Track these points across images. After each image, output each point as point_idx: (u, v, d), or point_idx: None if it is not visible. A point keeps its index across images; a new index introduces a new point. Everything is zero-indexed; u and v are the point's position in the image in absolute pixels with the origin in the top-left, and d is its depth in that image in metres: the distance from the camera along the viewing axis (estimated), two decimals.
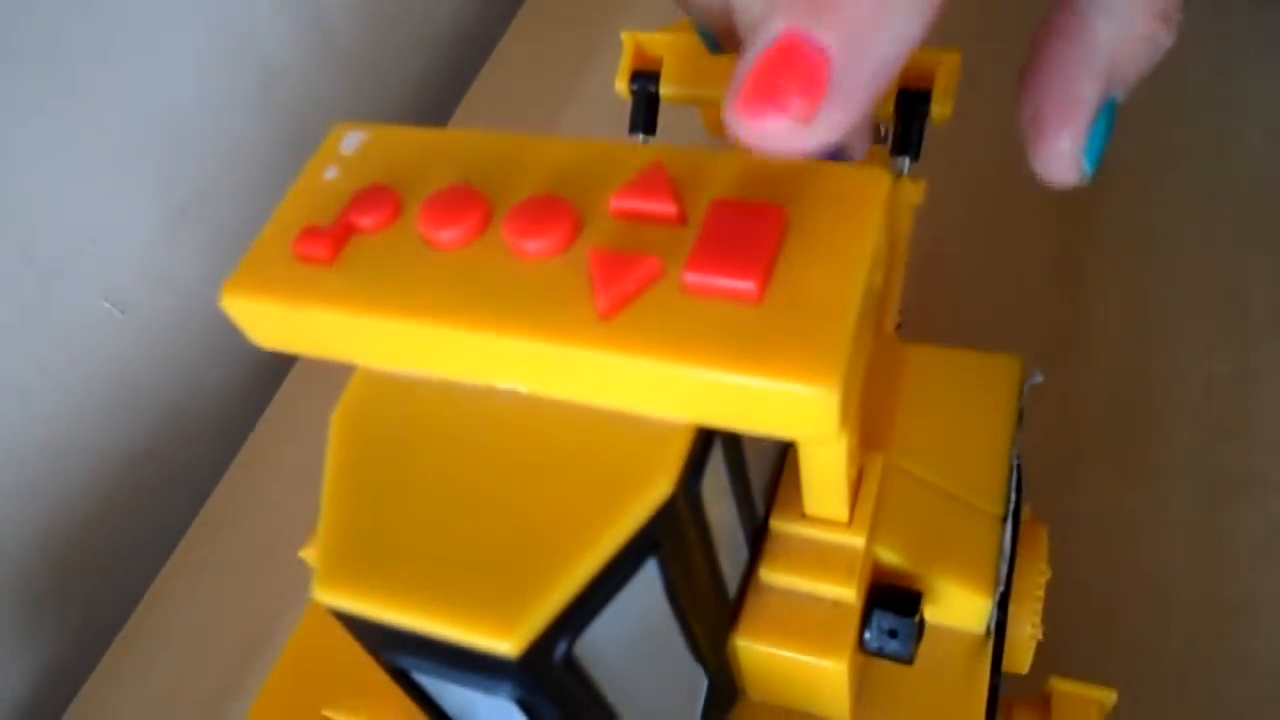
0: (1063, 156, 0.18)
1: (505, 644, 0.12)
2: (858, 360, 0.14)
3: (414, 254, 0.15)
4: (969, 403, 0.21)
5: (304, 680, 0.21)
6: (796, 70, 0.13)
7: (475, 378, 0.15)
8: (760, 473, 0.18)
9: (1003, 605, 0.21)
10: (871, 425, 0.20)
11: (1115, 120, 0.19)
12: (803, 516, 0.18)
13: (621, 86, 0.28)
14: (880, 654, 0.18)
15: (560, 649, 0.13)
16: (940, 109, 0.25)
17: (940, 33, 0.26)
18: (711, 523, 0.16)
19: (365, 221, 0.15)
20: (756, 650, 0.18)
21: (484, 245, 0.15)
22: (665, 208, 0.14)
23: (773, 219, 0.14)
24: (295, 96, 0.48)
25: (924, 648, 0.19)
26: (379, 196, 0.16)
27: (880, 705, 0.19)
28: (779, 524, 0.19)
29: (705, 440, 0.14)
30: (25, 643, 0.38)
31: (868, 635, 0.18)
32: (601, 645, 0.14)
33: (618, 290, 0.14)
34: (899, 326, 0.30)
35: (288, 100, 0.47)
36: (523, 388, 0.15)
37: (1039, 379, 0.22)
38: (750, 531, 0.18)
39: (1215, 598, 0.32)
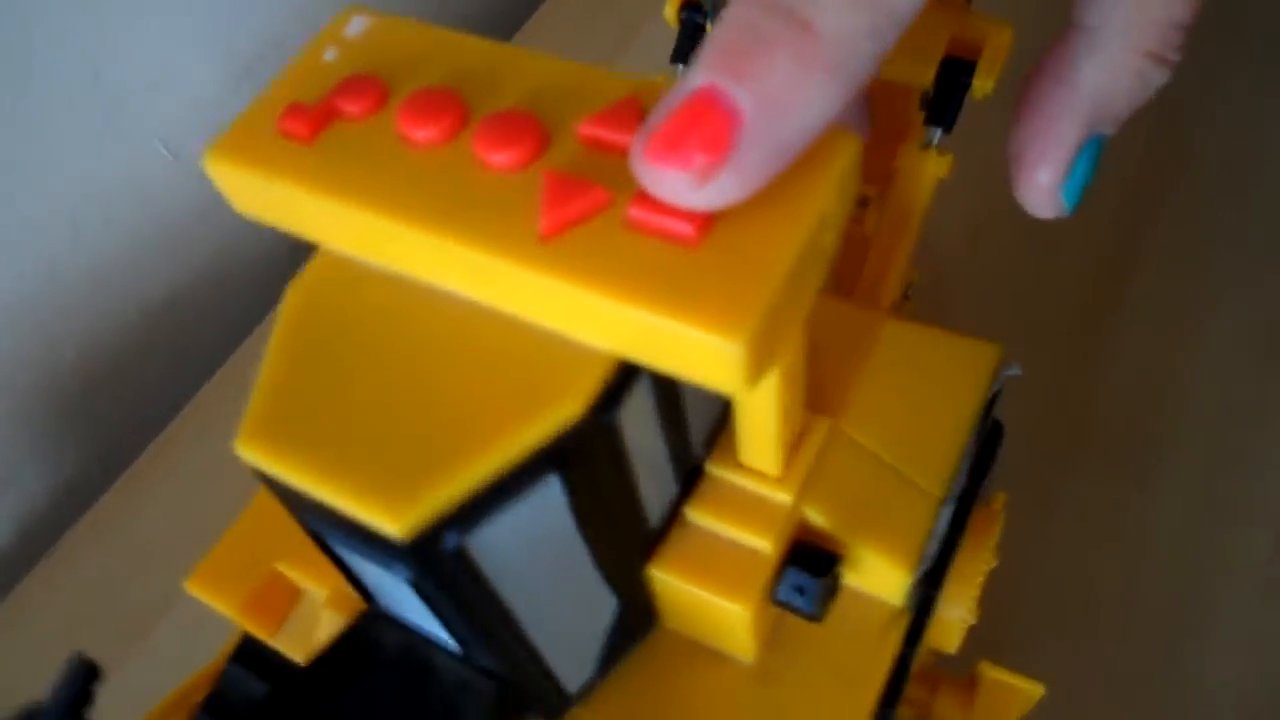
0: (1041, 192, 0.19)
1: (394, 527, 0.13)
2: (784, 318, 0.14)
3: (386, 147, 0.15)
4: (935, 384, 0.21)
5: (263, 534, 0.23)
6: (706, 127, 0.13)
7: (422, 275, 0.15)
8: (702, 415, 0.18)
9: (932, 583, 0.21)
10: (825, 390, 0.20)
11: (1100, 157, 0.19)
12: (738, 465, 0.19)
13: (670, 13, 0.27)
14: (788, 608, 0.19)
15: (450, 540, 0.14)
16: (983, 83, 0.25)
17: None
18: (633, 453, 0.16)
19: (349, 108, 0.16)
20: (669, 582, 0.19)
21: (453, 150, 0.15)
22: (627, 140, 0.14)
23: None
24: None
25: (840, 610, 0.20)
26: (367, 85, 0.16)
27: (786, 655, 0.20)
28: (714, 468, 0.19)
29: (627, 373, 0.15)
30: (46, 453, 0.40)
31: (778, 587, 0.19)
32: (499, 546, 0.15)
33: (561, 214, 0.14)
34: (906, 296, 0.29)
35: None
36: (463, 293, 0.15)
37: (1016, 371, 0.22)
38: (684, 470, 0.19)
39: (1179, 614, 0.32)
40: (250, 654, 0.23)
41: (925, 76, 0.25)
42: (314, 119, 0.16)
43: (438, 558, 0.14)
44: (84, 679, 0.18)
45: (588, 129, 0.15)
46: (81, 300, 0.40)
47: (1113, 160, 0.43)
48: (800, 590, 0.19)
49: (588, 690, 0.20)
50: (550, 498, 0.15)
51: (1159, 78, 0.18)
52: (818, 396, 0.20)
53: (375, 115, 0.16)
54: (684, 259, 0.13)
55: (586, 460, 0.15)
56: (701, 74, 0.13)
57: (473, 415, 0.14)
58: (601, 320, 0.14)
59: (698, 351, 0.13)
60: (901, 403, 0.21)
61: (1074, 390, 0.36)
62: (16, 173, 0.36)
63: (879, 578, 0.20)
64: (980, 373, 0.22)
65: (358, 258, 0.16)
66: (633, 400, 0.15)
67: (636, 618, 0.20)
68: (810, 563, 0.19)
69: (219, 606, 0.22)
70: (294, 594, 0.23)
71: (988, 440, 0.24)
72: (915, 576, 0.20)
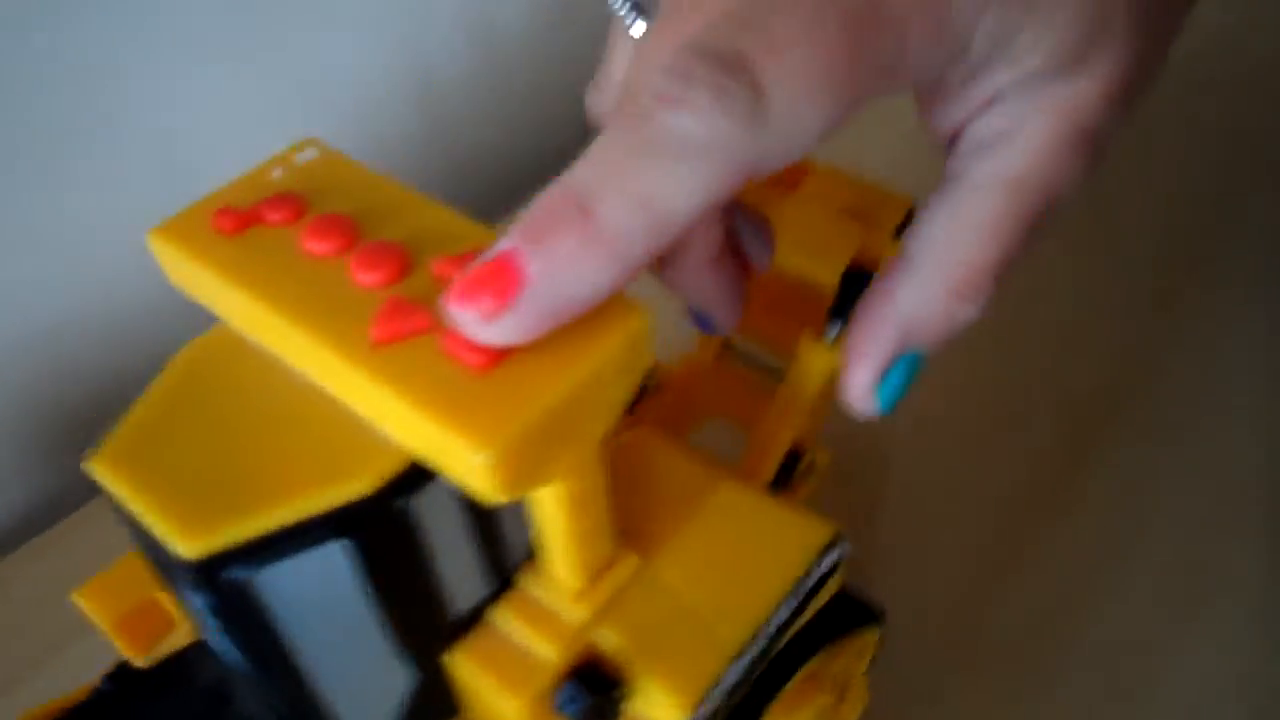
0: (858, 389, 0.22)
1: (184, 547, 0.16)
2: (545, 445, 0.16)
3: (286, 253, 0.19)
4: (757, 547, 0.23)
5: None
6: (498, 281, 0.16)
7: (284, 357, 0.19)
8: (523, 530, 0.21)
9: None
10: (646, 532, 0.23)
11: (916, 373, 0.21)
12: (547, 580, 0.21)
13: None
14: (562, 715, 0.21)
15: (233, 573, 0.17)
16: None
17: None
18: (432, 544, 0.19)
19: (270, 217, 0.20)
20: (461, 670, 0.21)
21: (334, 265, 0.19)
22: None
23: None
24: (450, 107, 0.54)
25: None
26: (290, 202, 0.20)
27: None
28: (525, 578, 0.21)
29: (422, 471, 0.18)
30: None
31: (557, 695, 0.21)
32: (285, 592, 0.17)
33: (389, 328, 0.17)
34: (794, 472, 0.31)
35: (444, 110, 0.54)
36: (311, 377, 0.18)
37: (842, 552, 0.24)
38: (499, 574, 0.21)
39: None
40: (124, 674, 0.25)
41: (830, 279, 0.28)
42: (240, 220, 0.19)
43: (223, 587, 0.17)
44: None
45: (439, 267, 0.18)
46: (86, 345, 0.45)
47: (1062, 383, 0.45)
48: (574, 702, 0.20)
49: None
50: (335, 560, 0.17)
51: (966, 313, 0.21)
52: (638, 536, 0.22)
53: (288, 227, 0.20)
54: (472, 382, 0.16)
55: (373, 536, 0.18)
56: (507, 240, 0.16)
57: (283, 474, 0.17)
58: (395, 417, 0.17)
59: (456, 456, 0.16)
60: (719, 558, 0.23)
61: (981, 598, 0.37)
62: (68, 214, 0.42)
63: (659, 711, 0.21)
64: (805, 547, 0.24)
65: (243, 333, 0.19)
66: (429, 496, 0.18)
67: (437, 699, 0.22)
68: (590, 680, 0.21)
69: (96, 620, 0.25)
70: (168, 622, 0.26)
71: (835, 615, 0.26)
72: (694, 719, 0.21)
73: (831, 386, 0.31)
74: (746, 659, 0.22)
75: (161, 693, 0.20)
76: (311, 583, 0.17)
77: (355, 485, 0.17)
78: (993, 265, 0.21)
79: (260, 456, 0.17)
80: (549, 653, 0.20)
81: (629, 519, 0.22)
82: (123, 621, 0.24)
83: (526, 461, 0.16)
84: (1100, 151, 0.21)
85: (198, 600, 0.17)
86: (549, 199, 0.16)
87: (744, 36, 0.16)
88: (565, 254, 0.16)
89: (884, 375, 0.21)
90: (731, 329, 0.26)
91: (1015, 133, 0.20)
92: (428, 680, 0.21)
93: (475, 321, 0.16)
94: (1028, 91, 0.20)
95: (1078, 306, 0.48)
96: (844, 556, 0.25)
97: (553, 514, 0.19)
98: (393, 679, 0.21)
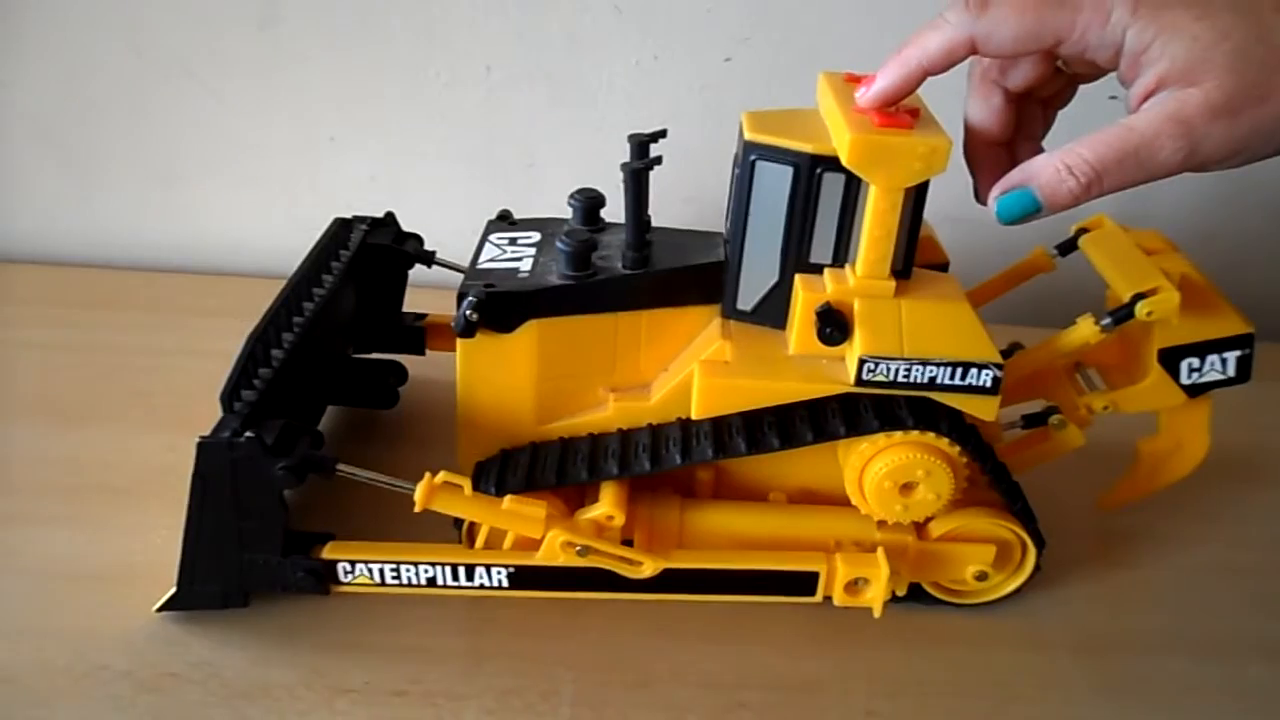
0: (989, 194, 0.40)
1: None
2: (871, 159, 0.39)
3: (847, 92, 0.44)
4: (958, 336, 0.42)
5: None
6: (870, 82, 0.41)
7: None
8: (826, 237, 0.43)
9: None
10: (910, 290, 0.43)
11: (1025, 206, 0.39)
12: (852, 270, 0.43)
13: None
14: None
15: (750, 155, 0.43)
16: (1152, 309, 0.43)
17: None
18: (822, 207, 0.42)
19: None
20: (798, 286, 0.44)
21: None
22: None
23: None
24: None
25: None
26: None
27: None
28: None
29: (837, 163, 0.41)
30: None
31: (818, 311, 0.42)
32: (762, 183, 0.43)
33: (861, 113, 0.42)
34: (1049, 421, 0.47)
35: None
36: None
37: (995, 375, 0.41)
38: (839, 257, 0.43)
39: None
40: None
41: (1126, 295, 0.44)
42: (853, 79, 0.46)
43: (749, 163, 0.43)
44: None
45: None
46: None
47: None
48: (827, 315, 0.42)
49: (746, 315, 0.45)
50: (785, 176, 0.42)
51: (1063, 180, 0.38)
52: (904, 291, 0.43)
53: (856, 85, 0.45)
54: (871, 125, 0.40)
55: (804, 175, 0.42)
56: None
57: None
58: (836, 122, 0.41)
59: (842, 135, 0.40)
60: (933, 324, 0.42)
61: None
62: None
63: (854, 349, 0.42)
64: (977, 350, 0.41)
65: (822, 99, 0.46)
66: (832, 178, 0.41)
67: (777, 305, 0.45)
68: (830, 313, 0.42)
69: None
70: None
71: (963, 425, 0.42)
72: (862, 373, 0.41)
73: (1083, 356, 0.46)
74: (917, 369, 0.41)
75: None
76: (770, 183, 0.42)
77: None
78: (1091, 159, 0.37)
79: None
80: (831, 289, 0.42)
81: (906, 287, 0.43)
82: None
83: (863, 153, 0.39)
84: (1194, 145, 0.36)
85: (743, 164, 0.43)
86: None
87: None
88: (888, 70, 0.40)
89: (1005, 193, 0.40)
90: (983, 198, 0.43)
91: (1146, 109, 0.37)
92: (780, 286, 0.44)
93: (862, 96, 0.41)
94: (1165, 93, 0.36)
95: None
96: (997, 380, 0.41)
97: (870, 211, 0.41)
98: (767, 273, 0.44)
